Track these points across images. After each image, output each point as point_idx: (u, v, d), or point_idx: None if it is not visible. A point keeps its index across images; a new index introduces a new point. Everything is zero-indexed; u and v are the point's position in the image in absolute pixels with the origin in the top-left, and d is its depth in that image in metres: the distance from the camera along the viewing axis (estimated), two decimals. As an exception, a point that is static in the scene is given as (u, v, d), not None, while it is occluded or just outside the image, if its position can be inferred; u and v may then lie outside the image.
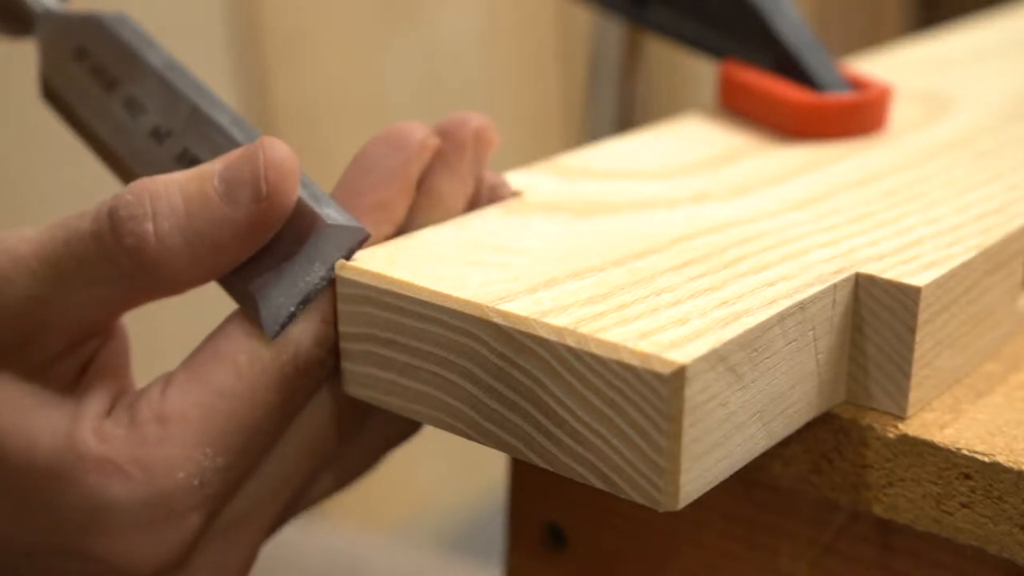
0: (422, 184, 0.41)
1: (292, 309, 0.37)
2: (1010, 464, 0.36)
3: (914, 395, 0.38)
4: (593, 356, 0.33)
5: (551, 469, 0.35)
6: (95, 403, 0.37)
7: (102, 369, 0.38)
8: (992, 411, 0.38)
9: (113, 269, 0.36)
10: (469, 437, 0.36)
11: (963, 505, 0.37)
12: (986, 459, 0.36)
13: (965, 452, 0.36)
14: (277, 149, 0.36)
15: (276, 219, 0.36)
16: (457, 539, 1.45)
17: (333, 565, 0.70)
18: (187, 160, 0.39)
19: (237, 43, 1.21)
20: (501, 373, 0.35)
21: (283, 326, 0.37)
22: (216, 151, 0.39)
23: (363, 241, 0.38)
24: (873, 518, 0.40)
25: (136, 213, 0.35)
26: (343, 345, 0.38)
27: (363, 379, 0.38)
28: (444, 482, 1.48)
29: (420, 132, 0.40)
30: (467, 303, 0.35)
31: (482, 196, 0.42)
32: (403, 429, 0.42)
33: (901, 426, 0.38)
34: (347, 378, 0.38)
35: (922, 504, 0.37)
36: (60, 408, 0.37)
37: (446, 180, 0.41)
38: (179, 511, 0.36)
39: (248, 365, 0.36)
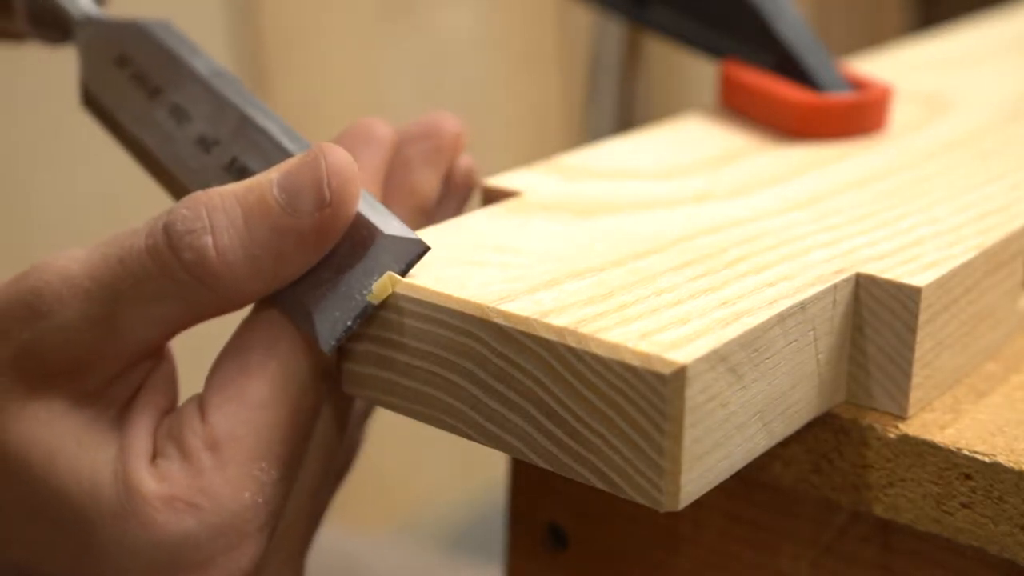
0: (401, 179, 0.41)
1: (348, 323, 0.35)
2: (1011, 464, 0.36)
3: (915, 395, 0.38)
4: (594, 356, 0.33)
5: (551, 469, 0.35)
6: (147, 434, 0.36)
7: (152, 395, 0.37)
8: (992, 411, 0.38)
9: (172, 286, 0.35)
10: (469, 437, 0.36)
11: (963, 505, 0.37)
12: (987, 459, 0.36)
13: (966, 452, 0.36)
14: (338, 155, 0.35)
15: (340, 226, 0.35)
16: (457, 539, 1.45)
17: (333, 565, 0.70)
18: (236, 169, 0.38)
19: (237, 43, 1.21)
20: (502, 373, 0.35)
21: (339, 340, 0.35)
22: (267, 160, 0.38)
23: (422, 254, 0.36)
24: (874, 518, 0.40)
25: (194, 227, 0.34)
26: (344, 345, 0.38)
27: (363, 379, 0.38)
28: (444, 482, 1.48)
29: (385, 128, 0.41)
30: (467, 303, 0.35)
31: (456, 179, 0.43)
32: (366, 411, 0.43)
33: (902, 426, 0.38)
34: (347, 378, 0.38)
35: (922, 504, 0.37)
36: (116, 443, 0.36)
37: (425, 176, 0.41)
38: (248, 532, 0.35)
39: (280, 374, 0.36)
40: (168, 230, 0.34)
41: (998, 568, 0.38)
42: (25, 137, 1.05)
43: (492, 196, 0.43)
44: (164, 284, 0.35)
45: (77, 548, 0.36)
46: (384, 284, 0.36)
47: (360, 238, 0.36)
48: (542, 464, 0.35)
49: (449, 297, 0.35)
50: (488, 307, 0.35)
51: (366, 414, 0.43)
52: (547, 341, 0.33)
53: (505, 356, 0.34)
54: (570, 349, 0.33)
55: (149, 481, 0.35)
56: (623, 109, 0.80)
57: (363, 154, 0.40)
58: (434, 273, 0.36)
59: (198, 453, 0.35)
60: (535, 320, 0.34)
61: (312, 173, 0.35)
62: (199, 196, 0.35)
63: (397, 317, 0.36)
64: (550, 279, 0.36)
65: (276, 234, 0.35)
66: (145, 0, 0.66)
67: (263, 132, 0.39)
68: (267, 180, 0.35)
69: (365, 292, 0.36)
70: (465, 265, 0.37)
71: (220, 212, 0.35)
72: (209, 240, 0.34)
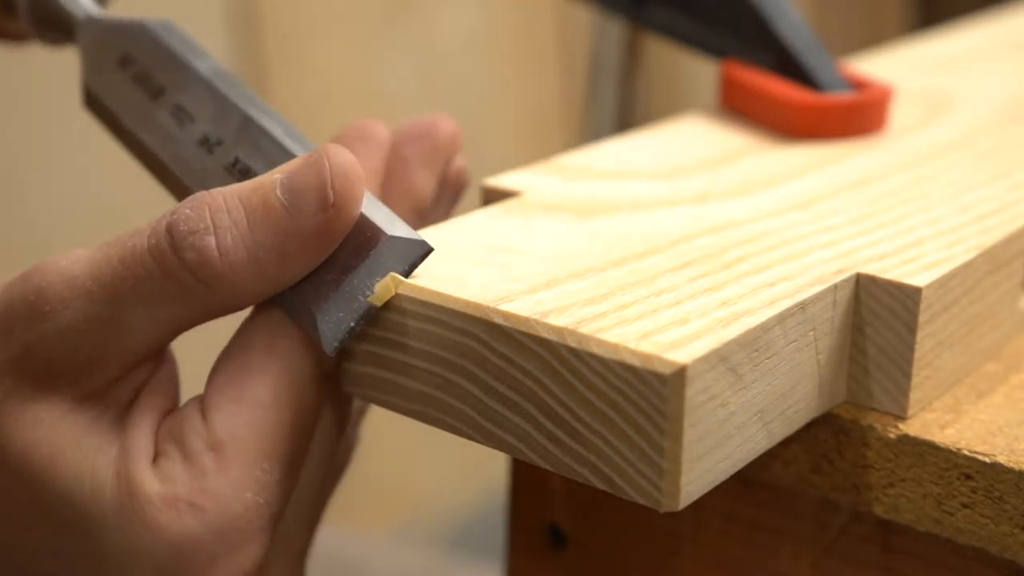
0: (400, 179, 0.41)
1: (352, 324, 0.35)
2: (1011, 464, 0.36)
3: (915, 395, 0.38)
4: (594, 356, 0.33)
5: (552, 469, 0.35)
6: (148, 435, 0.36)
7: (153, 396, 0.37)
8: (993, 411, 0.38)
9: (174, 287, 0.34)
10: (470, 437, 0.36)
11: (964, 505, 0.37)
12: (987, 459, 0.36)
13: (966, 452, 0.36)
14: (342, 156, 0.35)
15: (343, 228, 0.35)
16: (457, 539, 1.45)
17: (333, 565, 0.70)
18: (239, 170, 0.38)
19: (237, 41, 1.21)
20: (502, 373, 0.35)
21: (342, 342, 0.35)
22: (269, 161, 0.38)
23: (426, 255, 0.36)
24: (874, 518, 0.40)
25: (197, 227, 0.34)
26: (344, 344, 0.38)
27: (363, 379, 0.38)
28: (444, 482, 1.48)
29: (383, 128, 0.41)
30: (468, 303, 0.35)
31: (449, 180, 0.43)
32: (361, 408, 0.43)
33: (902, 426, 0.38)
34: (347, 378, 0.38)
35: (923, 504, 0.37)
36: (117, 444, 0.35)
37: (422, 177, 0.41)
38: (251, 533, 0.35)
39: (281, 374, 0.36)
40: (171, 230, 0.34)
41: (999, 568, 0.38)
42: (25, 137, 1.05)
43: (492, 196, 0.43)
44: (166, 285, 0.34)
45: (81, 552, 0.35)
46: (387, 285, 0.36)
47: (364, 239, 0.36)
48: (542, 464, 0.35)
49: (449, 297, 0.35)
50: (488, 307, 0.35)
51: (362, 413, 0.43)
52: (547, 341, 0.33)
53: (505, 356, 0.34)
54: (570, 349, 0.33)
55: (152, 482, 0.35)
56: (623, 109, 0.80)
57: (360, 154, 0.40)
58: (434, 273, 0.36)
59: (200, 454, 0.35)
60: (535, 320, 0.34)
61: (316, 174, 0.35)
62: (203, 196, 0.35)
63: (398, 317, 0.36)
64: (550, 279, 0.36)
65: (279, 235, 0.35)
66: (146, 0, 0.66)
67: (266, 133, 0.39)
68: (271, 181, 0.35)
69: (368, 293, 0.36)
70: (465, 265, 0.37)
71: (223, 213, 0.34)
72: (212, 241, 0.34)
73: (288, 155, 0.38)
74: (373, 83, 1.34)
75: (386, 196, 0.41)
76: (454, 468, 1.48)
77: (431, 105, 1.39)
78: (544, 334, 0.34)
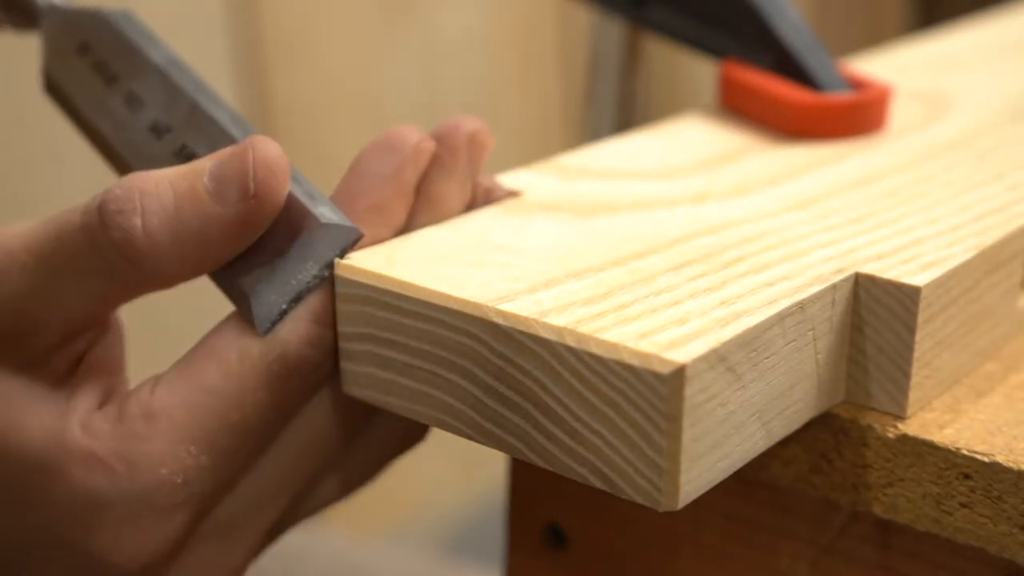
0: (420, 188, 0.41)
1: (284, 306, 0.37)
2: (1010, 464, 0.36)
3: (914, 395, 0.38)
4: (593, 356, 0.33)
5: (551, 469, 0.35)
6: (86, 398, 0.37)
7: (95, 363, 0.38)
8: (992, 411, 0.38)
9: (102, 263, 0.36)
10: (469, 437, 0.36)
11: (963, 505, 0.37)
12: (986, 459, 0.36)
13: (965, 452, 0.36)
14: (267, 147, 0.36)
15: (264, 218, 0.36)
16: (457, 539, 1.45)
17: (333, 566, 0.70)
18: (185, 156, 0.39)
19: (237, 42, 1.21)
20: (501, 373, 0.35)
21: (275, 323, 0.37)
22: (214, 147, 0.39)
23: (356, 241, 0.38)
24: (873, 518, 0.40)
25: (125, 208, 0.35)
26: (343, 345, 0.38)
27: (363, 379, 0.38)
28: (444, 482, 1.48)
29: (414, 136, 0.40)
30: (467, 303, 0.35)
31: (477, 199, 0.42)
32: (410, 434, 0.42)
33: (901, 426, 0.38)
34: (347, 378, 0.38)
35: (922, 504, 0.37)
36: (52, 403, 0.37)
37: (443, 184, 0.41)
38: (162, 507, 0.36)
39: (237, 363, 0.36)
40: (101, 209, 0.36)
41: (998, 568, 0.38)
42: (25, 136, 1.05)
43: (492, 196, 0.43)
44: (95, 261, 0.36)
45: (12, 504, 0.37)
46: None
47: (296, 225, 0.37)
48: (542, 464, 0.35)
49: (449, 297, 0.35)
50: (487, 307, 0.35)
51: (399, 446, 0.42)
52: (546, 341, 0.34)
53: (504, 356, 0.34)
54: (569, 349, 0.33)
55: (77, 433, 0.36)
56: (623, 109, 0.80)
57: (384, 162, 0.39)
58: (434, 273, 0.37)
59: (133, 419, 0.36)
60: (534, 320, 0.34)
61: (239, 164, 0.36)
62: (134, 178, 0.36)
63: (397, 317, 0.36)
64: (549, 279, 0.36)
65: (202, 221, 0.36)
66: (145, 0, 0.66)
67: (212, 120, 0.40)
68: (201, 167, 0.36)
69: (301, 276, 0.37)
70: (465, 265, 0.37)
71: (152, 195, 0.36)
72: (138, 222, 0.35)
73: (231, 141, 0.39)
74: (373, 83, 1.34)
75: (416, 206, 0.40)
76: (454, 468, 1.48)
77: (431, 106, 1.39)
78: (543, 334, 0.34)
